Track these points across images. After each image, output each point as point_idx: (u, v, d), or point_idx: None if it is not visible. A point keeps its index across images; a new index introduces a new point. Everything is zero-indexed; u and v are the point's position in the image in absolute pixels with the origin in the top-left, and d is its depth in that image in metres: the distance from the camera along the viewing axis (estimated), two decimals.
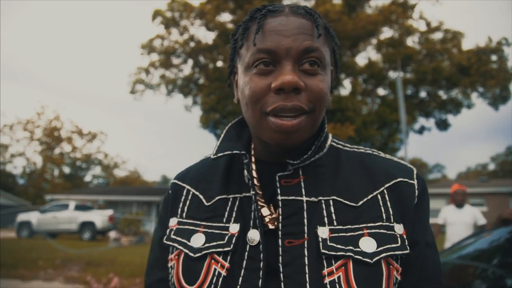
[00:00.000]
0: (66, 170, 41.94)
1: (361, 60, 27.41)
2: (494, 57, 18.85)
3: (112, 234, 15.50)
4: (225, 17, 18.76)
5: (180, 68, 20.34)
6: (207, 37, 19.49)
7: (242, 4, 17.16)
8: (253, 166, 0.77)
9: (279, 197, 0.70)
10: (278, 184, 0.72)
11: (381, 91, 20.47)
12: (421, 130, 20.90)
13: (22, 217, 17.44)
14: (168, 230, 0.78)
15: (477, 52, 18.63)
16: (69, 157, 41.06)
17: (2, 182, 36.86)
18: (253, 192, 0.71)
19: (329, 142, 0.80)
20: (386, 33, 19.32)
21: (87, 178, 45.22)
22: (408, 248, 0.67)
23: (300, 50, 0.66)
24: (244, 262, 0.67)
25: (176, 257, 0.73)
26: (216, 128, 19.13)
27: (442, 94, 20.13)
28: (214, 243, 0.70)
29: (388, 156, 0.80)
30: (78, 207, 17.61)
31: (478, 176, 43.60)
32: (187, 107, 21.20)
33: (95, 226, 16.70)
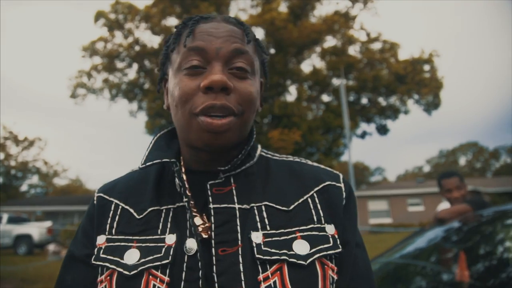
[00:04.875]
0: None
1: (306, 67, 28.20)
2: (427, 67, 20.30)
3: (51, 247, 14.49)
4: (171, 21, 18.51)
5: (125, 72, 19.70)
6: (153, 41, 19.15)
7: (188, 8, 17.03)
8: (184, 176, 0.75)
9: (211, 205, 0.69)
10: (209, 193, 0.70)
11: (325, 98, 21.23)
12: (363, 135, 21.87)
13: None
14: (96, 250, 0.72)
15: (412, 62, 19.94)
16: (3, 165, 38.07)
17: None
18: (186, 200, 0.69)
19: (258, 152, 0.82)
20: (330, 42, 20.12)
21: (23, 188, 42.14)
22: (340, 247, 0.69)
23: (229, 50, 0.68)
24: (184, 273, 0.64)
25: (108, 277, 0.67)
26: None
27: (382, 100, 21.27)
28: (151, 257, 0.65)
29: (315, 163, 0.84)
30: (12, 220, 16.29)
31: (415, 177, 46.36)
32: (132, 113, 20.57)
33: (32, 239, 15.52)
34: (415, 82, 19.65)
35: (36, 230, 15.80)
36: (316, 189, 0.75)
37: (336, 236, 0.70)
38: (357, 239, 0.75)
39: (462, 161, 53.72)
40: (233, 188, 0.72)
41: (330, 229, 0.70)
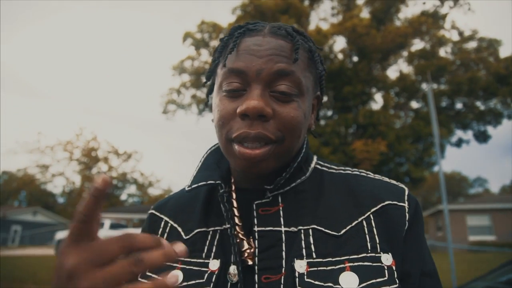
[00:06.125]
0: None
1: (392, 73, 26.96)
2: None
3: None
4: None
5: None
6: None
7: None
8: (233, 195, 0.72)
9: (256, 228, 0.65)
10: (255, 214, 0.66)
11: (414, 104, 20.02)
12: (459, 143, 20.16)
13: (60, 235, 17.99)
14: None
15: None
16: None
17: (43, 201, 38.49)
18: (228, 225, 0.66)
19: (312, 165, 0.74)
20: (417, 44, 19.01)
21: (123, 196, 46.37)
22: (398, 281, 0.59)
23: (271, 72, 0.62)
24: None
25: None
26: None
27: (480, 104, 19.41)
28: (193, 282, 0.64)
29: (377, 176, 0.73)
30: (113, 226, 17.99)
31: None
32: None
33: None
34: None
35: None
36: (373, 209, 0.65)
37: (394, 268, 0.60)
38: (425, 267, 0.64)
39: None
40: (281, 208, 0.67)
41: (387, 259, 0.60)
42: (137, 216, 27.45)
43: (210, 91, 0.77)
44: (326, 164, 0.77)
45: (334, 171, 0.75)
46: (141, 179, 45.23)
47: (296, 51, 0.64)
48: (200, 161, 0.78)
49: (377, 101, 19.47)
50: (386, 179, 0.72)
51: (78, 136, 40.16)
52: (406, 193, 0.69)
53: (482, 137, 19.85)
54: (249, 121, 0.61)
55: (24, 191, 39.14)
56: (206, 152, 0.80)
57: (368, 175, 0.73)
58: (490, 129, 19.84)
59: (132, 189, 46.26)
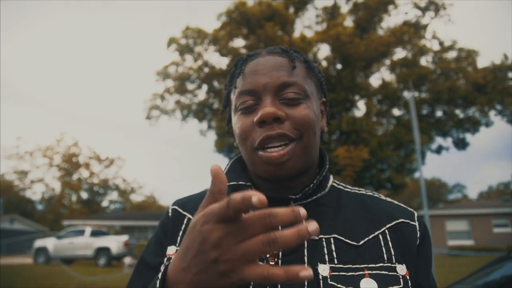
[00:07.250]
0: (84, 195, 42.35)
1: (375, 81, 27.40)
2: (511, 74, 18.61)
3: (127, 260, 15.36)
4: (238, 43, 19.10)
5: (195, 94, 20.67)
6: (221, 62, 19.92)
7: (254, 29, 17.49)
8: None
9: None
10: None
11: (396, 112, 20.37)
12: (439, 150, 20.60)
13: (39, 243, 17.49)
14: (165, 259, 0.75)
15: (493, 69, 18.44)
16: (87, 182, 41.58)
17: (21, 208, 37.46)
18: None
19: (330, 182, 0.80)
20: (399, 53, 19.39)
21: (104, 203, 45.47)
22: None
23: (277, 85, 0.70)
24: None
25: None
26: (230, 152, 19.20)
27: (459, 113, 19.91)
28: None
29: (389, 199, 0.81)
30: (94, 233, 17.60)
31: (501, 195, 42.29)
32: (202, 132, 21.40)
33: (110, 252, 16.62)
34: (497, 91, 18.11)
35: (114, 243, 16.87)
36: (388, 225, 0.73)
37: (408, 278, 0.67)
38: (430, 283, 0.71)
39: None
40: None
41: (401, 270, 0.67)
42: (118, 223, 26.97)
43: (228, 120, 0.84)
44: (342, 184, 0.84)
45: (349, 190, 0.82)
46: (123, 185, 44.53)
47: (293, 61, 0.72)
48: (227, 165, 0.85)
49: (360, 108, 19.76)
50: (397, 202, 0.80)
51: (59, 141, 39.37)
52: (416, 215, 0.77)
53: (461, 144, 20.34)
54: (267, 126, 0.68)
55: (1, 198, 38.07)
56: (232, 158, 0.86)
57: (381, 197, 0.81)
58: (468, 137, 20.40)
59: (114, 195, 45.45)
